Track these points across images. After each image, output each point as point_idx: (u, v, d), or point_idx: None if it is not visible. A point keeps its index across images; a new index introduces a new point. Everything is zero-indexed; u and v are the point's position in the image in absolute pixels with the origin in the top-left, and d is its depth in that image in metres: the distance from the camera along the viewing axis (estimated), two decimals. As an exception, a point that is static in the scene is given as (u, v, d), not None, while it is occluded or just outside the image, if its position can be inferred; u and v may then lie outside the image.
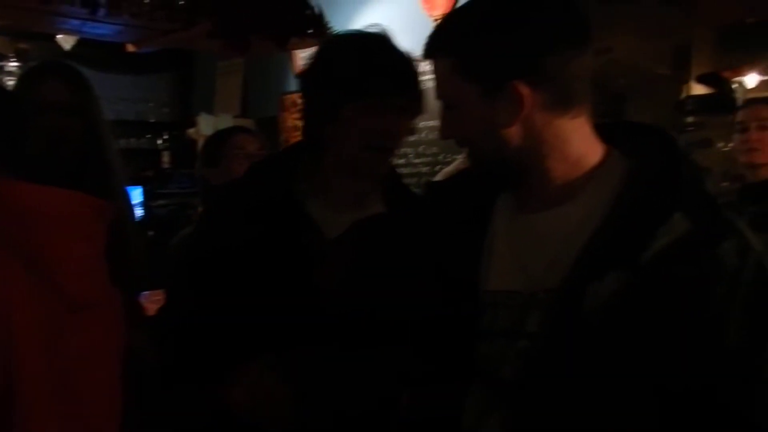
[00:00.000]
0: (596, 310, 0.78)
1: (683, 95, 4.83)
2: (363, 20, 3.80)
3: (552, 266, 0.84)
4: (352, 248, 1.16)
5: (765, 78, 5.52)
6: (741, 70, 5.46)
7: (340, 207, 1.19)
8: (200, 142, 4.43)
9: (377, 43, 1.20)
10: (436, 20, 3.36)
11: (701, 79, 4.94)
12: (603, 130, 0.93)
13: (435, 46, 0.91)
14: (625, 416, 0.80)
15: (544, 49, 0.86)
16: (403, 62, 1.17)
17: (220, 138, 2.33)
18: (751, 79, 5.47)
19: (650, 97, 4.44)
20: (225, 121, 4.35)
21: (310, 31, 2.65)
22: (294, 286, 1.14)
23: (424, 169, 3.72)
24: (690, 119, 4.59)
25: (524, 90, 0.85)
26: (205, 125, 4.67)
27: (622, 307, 0.78)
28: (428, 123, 3.57)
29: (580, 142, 0.89)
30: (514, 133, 0.87)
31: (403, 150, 3.94)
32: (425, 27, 3.44)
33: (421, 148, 3.75)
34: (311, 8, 2.69)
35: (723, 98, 4.72)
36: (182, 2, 2.06)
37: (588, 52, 0.90)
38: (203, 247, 1.29)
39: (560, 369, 0.82)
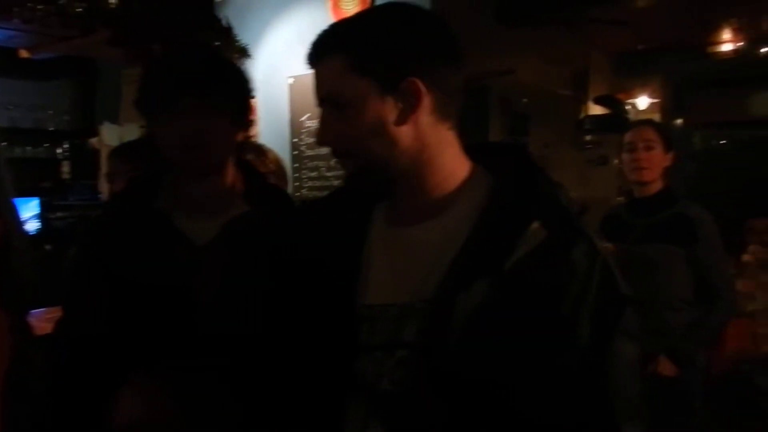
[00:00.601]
0: (467, 317, 0.83)
1: (582, 115, 5.13)
2: (274, 32, 3.78)
3: (427, 277, 0.87)
4: (224, 250, 1.17)
5: (654, 100, 5.97)
6: (633, 92, 5.88)
7: (206, 214, 1.20)
8: (103, 152, 4.24)
9: (172, 56, 1.24)
10: (347, 36, 3.39)
11: (598, 101, 5.27)
12: (467, 150, 0.96)
13: (328, 44, 0.89)
14: (501, 418, 0.84)
15: (437, 53, 0.89)
16: (191, 67, 1.17)
17: (111, 153, 2.28)
18: (642, 102, 5.90)
19: (552, 116, 4.67)
20: (131, 131, 4.18)
21: (217, 43, 2.62)
22: (173, 298, 1.13)
23: (336, 183, 3.74)
24: (588, 137, 4.87)
25: (421, 87, 0.87)
26: (109, 135, 4.46)
27: (489, 313, 0.83)
28: (340, 137, 3.59)
29: (453, 155, 0.92)
30: (404, 132, 0.88)
31: (314, 163, 3.93)
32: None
33: (333, 162, 3.77)
34: (218, 20, 2.66)
35: (618, 118, 5.06)
36: (79, 9, 1.98)
37: (463, 72, 0.93)
38: (84, 267, 1.26)
39: (437, 376, 0.84)
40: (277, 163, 2.27)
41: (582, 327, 0.84)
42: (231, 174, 1.24)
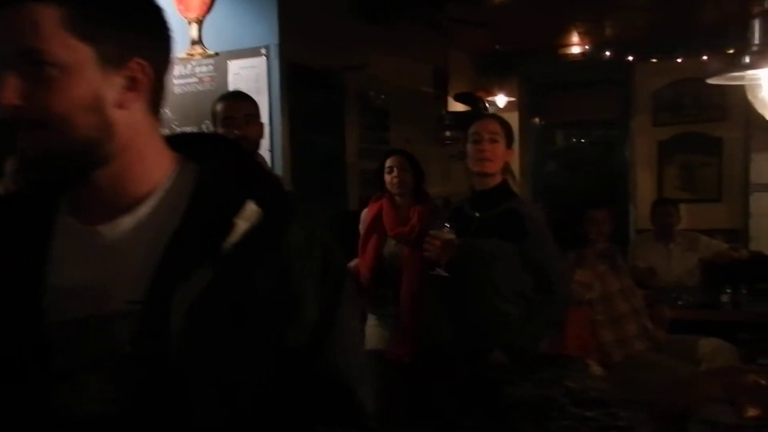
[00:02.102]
0: (188, 310, 0.76)
1: (443, 112, 5.24)
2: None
3: (136, 277, 0.79)
4: None
5: (511, 99, 6.24)
6: (493, 91, 6.11)
7: None
8: None
9: None
10: (191, 22, 3.22)
11: (458, 98, 5.41)
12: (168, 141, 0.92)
13: None
14: (238, 409, 0.80)
15: (164, 37, 0.83)
16: None
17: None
18: (500, 100, 6.15)
19: (413, 112, 4.72)
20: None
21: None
22: None
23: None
24: (448, 134, 4.97)
25: (148, 71, 0.80)
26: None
27: (212, 301, 0.78)
28: (186, 129, 3.40)
29: (159, 147, 0.86)
30: (120, 116, 0.79)
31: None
32: (180, 28, 3.21)
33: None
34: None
35: (477, 115, 5.21)
36: None
37: (171, 66, 0.88)
38: None
39: (162, 382, 0.77)
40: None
41: (309, 301, 0.83)
42: None
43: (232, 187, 0.84)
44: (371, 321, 2.83)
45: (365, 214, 2.91)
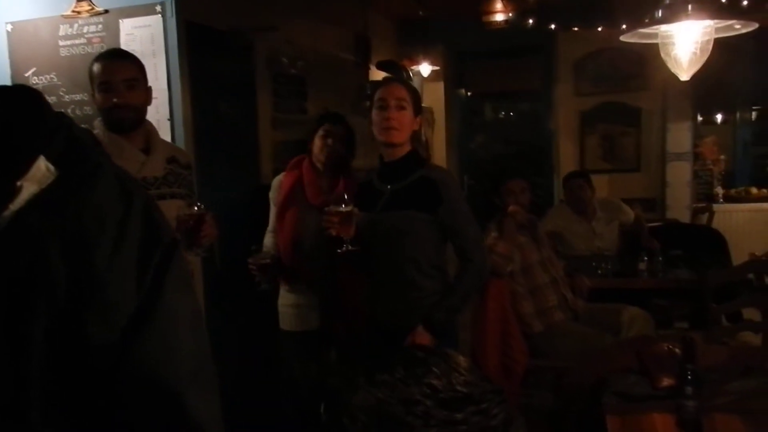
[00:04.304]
0: None
1: (365, 81, 5.06)
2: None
3: None
4: None
5: (435, 68, 6.12)
6: (417, 59, 5.97)
7: None
8: None
9: None
10: (74, -24, 2.89)
11: (380, 66, 5.24)
12: None
13: None
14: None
15: None
16: None
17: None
18: (425, 69, 6.01)
19: (333, 80, 4.51)
20: None
21: None
22: None
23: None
24: (369, 103, 4.80)
25: None
26: None
27: None
28: (75, 97, 3.10)
29: None
30: None
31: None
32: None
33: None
34: None
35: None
36: None
37: None
38: None
39: None
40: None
41: (121, 285, 0.68)
42: None
43: (21, 143, 0.68)
44: (288, 300, 2.64)
45: (279, 183, 2.63)
